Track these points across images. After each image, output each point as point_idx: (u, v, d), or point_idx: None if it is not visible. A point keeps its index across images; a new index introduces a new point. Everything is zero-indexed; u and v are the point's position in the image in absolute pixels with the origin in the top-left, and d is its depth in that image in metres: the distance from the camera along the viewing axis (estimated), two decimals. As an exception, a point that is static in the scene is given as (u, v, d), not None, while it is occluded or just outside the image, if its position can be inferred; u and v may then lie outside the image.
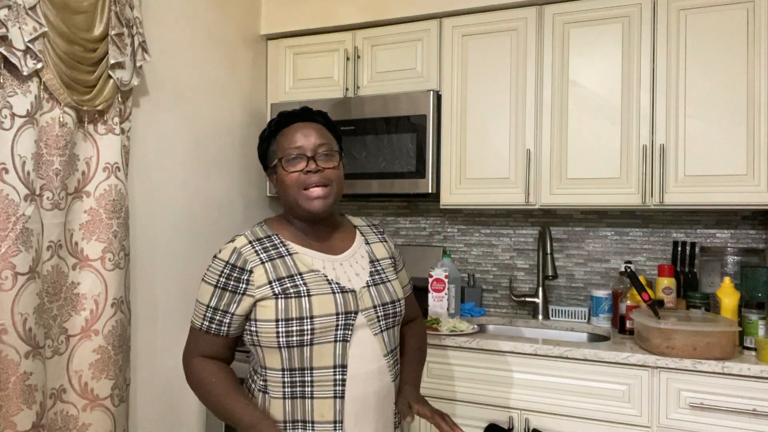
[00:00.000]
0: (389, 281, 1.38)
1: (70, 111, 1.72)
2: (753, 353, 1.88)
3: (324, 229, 1.36)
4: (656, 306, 2.00)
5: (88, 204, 1.82)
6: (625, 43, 2.18)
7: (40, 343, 1.63)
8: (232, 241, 1.30)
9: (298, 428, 1.25)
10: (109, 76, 1.83)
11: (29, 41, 1.56)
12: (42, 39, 1.60)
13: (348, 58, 2.59)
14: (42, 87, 1.63)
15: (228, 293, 1.25)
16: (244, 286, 1.25)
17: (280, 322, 1.22)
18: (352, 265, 1.34)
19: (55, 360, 1.74)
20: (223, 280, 1.26)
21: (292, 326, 1.21)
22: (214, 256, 1.29)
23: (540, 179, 2.28)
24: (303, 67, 2.68)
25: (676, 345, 1.84)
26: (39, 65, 1.59)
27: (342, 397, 1.24)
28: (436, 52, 2.45)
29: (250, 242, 1.29)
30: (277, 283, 1.24)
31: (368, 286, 1.32)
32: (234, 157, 2.57)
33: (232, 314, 1.26)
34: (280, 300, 1.23)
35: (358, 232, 1.44)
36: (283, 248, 1.30)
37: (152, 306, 2.12)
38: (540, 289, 2.51)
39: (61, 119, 1.69)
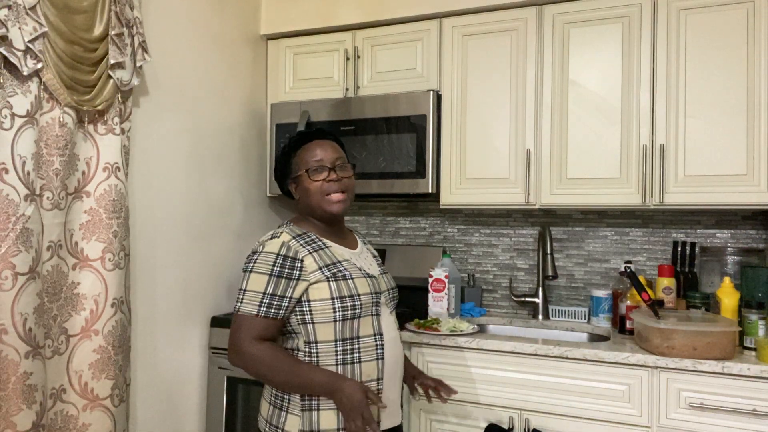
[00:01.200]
0: (388, 273, 1.69)
1: (70, 111, 1.72)
2: (753, 353, 1.88)
3: (339, 229, 1.63)
4: (656, 306, 2.00)
5: (88, 204, 1.82)
6: (625, 43, 2.18)
7: (40, 343, 1.63)
8: (276, 237, 1.51)
9: None
10: (109, 76, 1.83)
11: (29, 41, 1.56)
12: (42, 39, 1.60)
13: (348, 58, 2.59)
14: (42, 87, 1.64)
15: (284, 279, 1.45)
16: (298, 272, 1.46)
17: (335, 300, 1.46)
18: (365, 258, 1.63)
19: (55, 360, 1.74)
20: (278, 269, 1.45)
21: (346, 302, 1.47)
22: (259, 252, 1.48)
23: (540, 179, 2.28)
24: (303, 67, 2.68)
25: (676, 345, 1.84)
26: (39, 65, 1.59)
27: (382, 359, 1.51)
28: (436, 52, 2.45)
29: (294, 237, 1.51)
30: (325, 269, 1.49)
31: (382, 274, 1.63)
32: (234, 157, 2.57)
33: (290, 298, 1.45)
34: (332, 282, 1.47)
35: (355, 235, 1.71)
36: (320, 242, 1.55)
37: (152, 306, 2.12)
38: (540, 289, 2.51)
39: (61, 119, 1.69)
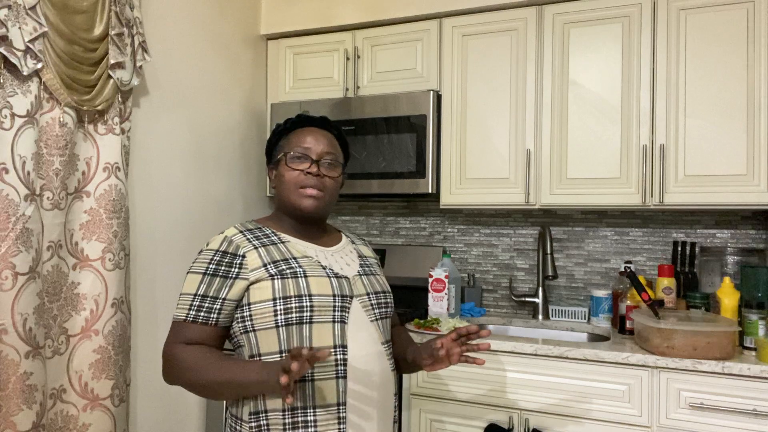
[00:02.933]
0: (378, 275, 1.41)
1: (70, 111, 1.72)
2: (753, 353, 1.88)
3: (313, 228, 1.39)
4: (656, 306, 2.00)
5: (88, 204, 1.82)
6: (625, 43, 2.18)
7: (40, 343, 1.63)
8: (221, 233, 1.31)
9: (298, 416, 1.20)
10: (109, 76, 1.83)
11: (29, 41, 1.56)
12: (42, 39, 1.60)
13: (348, 58, 2.59)
14: (42, 87, 1.64)
15: (218, 278, 1.24)
16: (236, 270, 1.24)
17: (277, 301, 1.22)
18: (342, 257, 1.37)
19: (55, 360, 1.74)
20: (213, 266, 1.25)
21: (290, 303, 1.21)
22: (201, 250, 1.29)
23: (540, 179, 2.28)
24: (303, 67, 2.68)
25: (676, 345, 1.84)
26: (39, 65, 1.59)
27: (344, 377, 1.22)
28: (436, 52, 2.45)
29: (241, 231, 1.31)
30: (272, 265, 1.25)
31: (360, 275, 1.34)
32: (234, 157, 2.57)
33: (223, 299, 1.23)
34: (276, 280, 1.23)
35: (344, 235, 1.48)
36: (275, 237, 1.32)
37: (152, 306, 2.12)
38: (540, 289, 2.51)
39: (61, 119, 1.69)
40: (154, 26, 2.07)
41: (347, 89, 2.59)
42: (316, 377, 1.20)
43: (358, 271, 1.35)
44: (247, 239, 1.29)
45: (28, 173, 1.58)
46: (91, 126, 1.83)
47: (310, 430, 1.20)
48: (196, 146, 2.33)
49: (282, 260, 1.26)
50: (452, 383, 2.08)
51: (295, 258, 1.28)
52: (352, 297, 1.28)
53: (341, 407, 1.22)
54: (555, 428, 1.95)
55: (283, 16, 2.68)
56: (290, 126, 1.39)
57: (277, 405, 1.21)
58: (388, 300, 1.39)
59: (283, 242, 1.31)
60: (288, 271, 1.24)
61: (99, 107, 1.80)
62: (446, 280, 2.34)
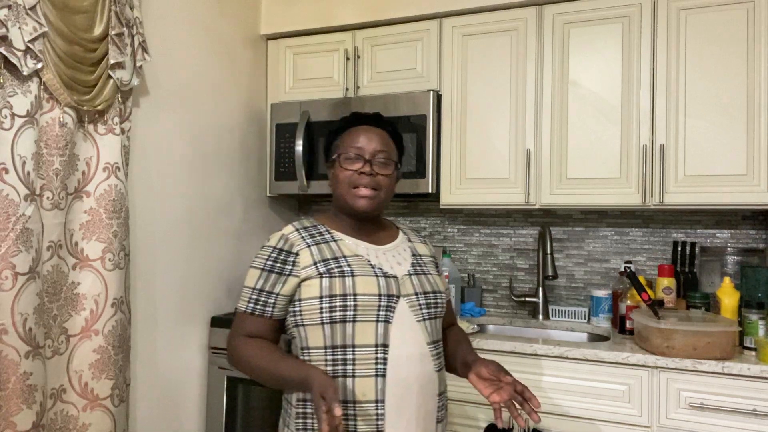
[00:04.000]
0: (430, 274, 1.42)
1: (70, 111, 1.72)
2: (753, 353, 1.88)
3: (369, 225, 1.43)
4: (656, 306, 2.00)
5: (88, 204, 1.82)
6: (625, 43, 2.18)
7: (40, 343, 1.63)
8: (280, 231, 1.38)
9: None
10: (109, 76, 1.83)
11: (29, 41, 1.56)
12: (42, 39, 1.60)
13: (348, 58, 2.59)
14: (42, 87, 1.63)
15: (274, 275, 1.32)
16: (290, 267, 1.32)
17: (324, 299, 1.28)
18: (394, 256, 1.40)
19: (55, 360, 1.74)
20: (270, 263, 1.33)
21: (335, 302, 1.27)
22: (262, 246, 1.37)
23: (540, 179, 2.28)
24: (303, 67, 2.68)
25: (676, 345, 1.84)
26: (39, 65, 1.59)
27: (383, 376, 1.26)
28: (436, 52, 2.45)
29: (297, 230, 1.37)
30: (322, 263, 1.31)
31: (410, 275, 1.37)
32: (234, 157, 2.57)
33: (278, 294, 1.32)
34: (324, 279, 1.29)
35: (401, 232, 1.50)
36: (328, 235, 1.38)
37: (152, 306, 2.12)
38: (540, 289, 2.51)
39: (61, 119, 1.69)
40: (154, 26, 2.07)
41: (347, 89, 2.59)
42: (357, 374, 1.26)
43: (409, 271, 1.38)
44: (302, 237, 1.35)
45: (28, 173, 1.58)
46: (91, 126, 1.83)
47: (350, 422, 1.25)
48: (196, 146, 2.33)
49: (332, 259, 1.32)
50: (452, 383, 2.08)
51: (345, 257, 1.33)
52: (399, 297, 1.32)
53: (379, 404, 1.26)
54: (555, 428, 1.95)
55: (283, 16, 2.68)
56: (344, 125, 1.43)
57: None
58: (438, 300, 1.39)
59: (335, 240, 1.36)
60: (336, 269, 1.30)
61: (99, 107, 1.80)
62: (446, 280, 2.34)
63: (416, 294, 1.35)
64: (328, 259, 1.32)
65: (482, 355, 2.01)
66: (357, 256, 1.34)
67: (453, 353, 1.47)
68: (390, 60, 2.52)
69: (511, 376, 1.33)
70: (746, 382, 1.77)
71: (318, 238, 1.36)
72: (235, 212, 2.58)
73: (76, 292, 1.80)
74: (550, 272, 2.39)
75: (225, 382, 2.32)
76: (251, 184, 2.69)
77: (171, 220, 2.20)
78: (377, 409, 1.25)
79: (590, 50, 2.23)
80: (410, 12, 2.45)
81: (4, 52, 1.51)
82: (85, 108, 1.76)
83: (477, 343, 2.05)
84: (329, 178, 1.43)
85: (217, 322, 2.37)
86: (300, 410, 1.31)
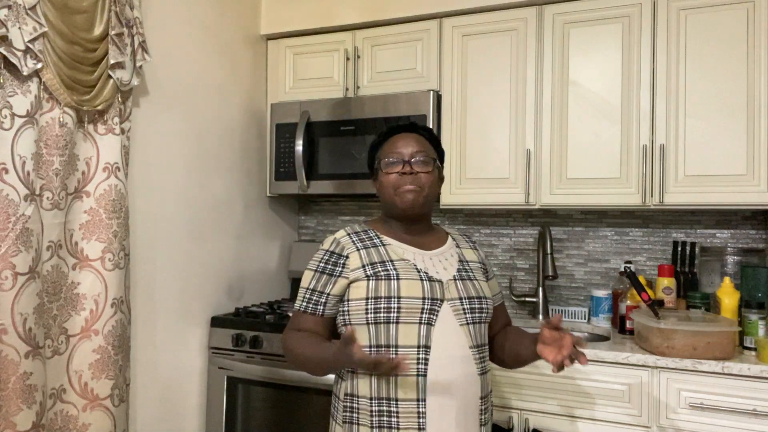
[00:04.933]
0: (477, 280, 1.47)
1: (70, 111, 1.72)
2: (753, 353, 1.88)
3: (418, 229, 1.50)
4: (656, 306, 2.00)
5: (88, 204, 1.82)
6: (625, 43, 2.18)
7: (40, 343, 1.63)
8: (332, 235, 1.49)
9: (383, 404, 1.34)
10: (109, 76, 1.83)
11: (29, 41, 1.56)
12: (42, 39, 1.60)
13: (348, 58, 2.59)
14: (42, 87, 1.64)
15: (325, 276, 1.42)
16: (340, 269, 1.41)
17: (369, 300, 1.36)
18: (441, 261, 1.46)
19: (55, 360, 1.75)
20: (323, 265, 1.43)
21: (380, 303, 1.35)
22: (318, 249, 1.48)
23: (540, 179, 2.28)
24: (303, 67, 2.68)
25: (676, 345, 1.84)
26: (39, 65, 1.59)
27: (424, 376, 1.33)
28: (436, 52, 2.45)
29: (348, 234, 1.47)
30: (369, 267, 1.40)
31: (455, 280, 1.43)
32: (234, 157, 2.57)
33: (328, 294, 1.41)
34: (371, 281, 1.37)
35: (450, 237, 1.56)
36: (377, 240, 1.46)
37: (152, 306, 2.12)
38: (540, 289, 2.51)
39: (61, 119, 1.69)
40: (154, 26, 2.07)
41: (347, 89, 2.59)
42: (400, 373, 1.31)
43: (454, 276, 1.44)
44: (352, 241, 1.45)
45: (28, 173, 1.58)
46: (91, 126, 1.83)
47: (393, 418, 1.34)
48: (196, 146, 2.33)
49: (379, 262, 1.40)
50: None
51: (392, 261, 1.41)
52: (442, 300, 1.38)
53: (421, 403, 1.33)
54: (555, 428, 1.95)
55: (283, 16, 2.68)
56: (382, 137, 1.52)
57: (365, 392, 1.37)
58: (483, 306, 1.44)
59: (384, 245, 1.45)
60: (383, 273, 1.38)
61: (99, 107, 1.80)
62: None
63: (460, 298, 1.40)
64: (375, 263, 1.40)
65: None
66: (403, 260, 1.41)
67: (518, 342, 1.49)
68: (390, 60, 2.52)
69: (567, 333, 1.31)
70: (746, 382, 1.77)
71: (368, 242, 1.45)
72: (235, 212, 2.58)
73: (76, 292, 1.80)
74: (550, 272, 2.39)
75: (225, 382, 2.32)
76: (251, 184, 2.69)
77: (171, 220, 2.20)
78: (419, 407, 1.33)
79: (590, 50, 2.23)
80: (410, 12, 2.45)
81: (4, 52, 1.51)
82: (85, 108, 1.76)
83: (477, 343, 2.05)
84: (376, 188, 1.52)
85: (217, 322, 2.37)
86: (348, 405, 1.39)
